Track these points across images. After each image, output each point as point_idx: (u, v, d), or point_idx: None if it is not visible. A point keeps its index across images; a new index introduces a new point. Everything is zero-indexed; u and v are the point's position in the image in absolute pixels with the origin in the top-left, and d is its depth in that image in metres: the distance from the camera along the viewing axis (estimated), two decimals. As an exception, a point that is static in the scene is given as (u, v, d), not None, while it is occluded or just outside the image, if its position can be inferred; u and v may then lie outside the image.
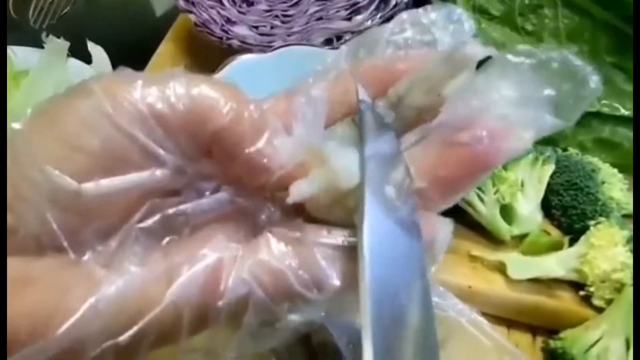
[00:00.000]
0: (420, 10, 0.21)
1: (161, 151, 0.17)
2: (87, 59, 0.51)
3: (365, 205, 0.16)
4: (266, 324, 0.17)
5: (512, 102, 0.18)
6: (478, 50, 0.19)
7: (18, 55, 0.51)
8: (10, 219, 0.16)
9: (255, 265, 0.16)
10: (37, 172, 0.15)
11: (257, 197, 0.18)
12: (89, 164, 0.16)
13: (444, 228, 0.18)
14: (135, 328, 0.15)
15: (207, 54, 0.54)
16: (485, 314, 0.39)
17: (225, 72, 0.46)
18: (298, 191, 0.17)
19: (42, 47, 0.48)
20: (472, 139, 0.17)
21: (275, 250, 0.17)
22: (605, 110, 0.45)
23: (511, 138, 0.18)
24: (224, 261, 0.16)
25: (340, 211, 0.17)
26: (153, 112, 0.16)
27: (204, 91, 0.17)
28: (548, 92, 0.18)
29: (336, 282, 0.16)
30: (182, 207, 0.17)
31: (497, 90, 0.18)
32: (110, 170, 0.16)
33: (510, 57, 0.19)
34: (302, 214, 0.18)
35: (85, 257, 0.16)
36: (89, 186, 0.16)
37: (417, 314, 0.15)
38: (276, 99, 0.20)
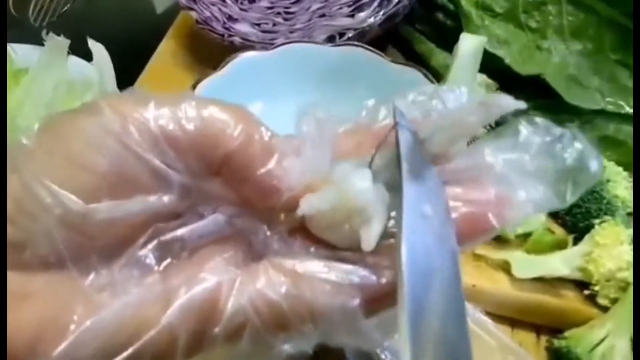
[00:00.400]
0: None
1: (171, 173, 0.17)
2: (87, 56, 0.51)
3: (403, 223, 0.16)
4: (259, 350, 0.17)
5: (520, 168, 0.19)
6: (511, 102, 0.20)
7: (18, 53, 0.50)
8: (13, 233, 0.15)
9: (254, 293, 0.16)
10: (46, 192, 0.15)
11: (255, 219, 0.18)
12: (96, 185, 0.16)
13: None
14: (130, 350, 0.15)
15: (209, 52, 0.53)
16: (489, 313, 0.39)
17: (227, 69, 0.46)
18: (309, 205, 0.17)
19: (43, 45, 0.47)
20: (481, 200, 0.18)
21: (274, 281, 0.17)
22: (610, 108, 0.45)
23: (515, 208, 0.18)
24: (223, 286, 0.16)
25: (343, 231, 0.17)
26: (165, 134, 0.16)
27: (215, 113, 0.17)
28: (553, 167, 0.19)
29: (333, 317, 0.16)
30: (179, 232, 0.17)
31: (507, 152, 0.19)
32: (117, 191, 0.16)
33: (525, 124, 0.20)
34: (301, 237, 0.18)
35: (89, 280, 0.16)
36: (97, 209, 0.16)
37: (452, 332, 0.15)
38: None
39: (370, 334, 0.17)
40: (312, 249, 0.18)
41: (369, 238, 0.17)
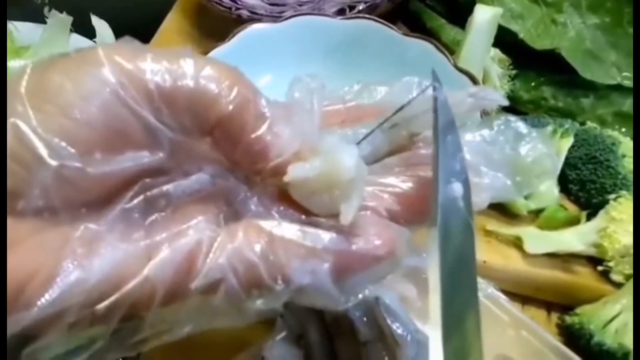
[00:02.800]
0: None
1: (164, 130, 0.17)
2: (90, 33, 0.50)
3: (440, 175, 0.19)
4: (230, 306, 0.18)
5: (487, 158, 0.21)
6: (497, 97, 0.22)
7: (20, 30, 0.50)
8: (7, 182, 0.15)
9: (232, 252, 0.17)
10: (42, 143, 0.15)
11: (238, 181, 0.19)
12: (90, 137, 0.16)
13: (403, 239, 0.19)
14: (112, 298, 0.16)
15: (216, 25, 0.52)
16: (500, 291, 0.38)
17: (235, 41, 0.45)
18: (296, 172, 0.18)
19: (45, 23, 0.46)
20: None
21: (251, 241, 0.17)
22: (627, 83, 0.44)
23: (475, 193, 0.20)
24: (203, 243, 0.17)
25: (322, 200, 0.18)
26: (160, 90, 0.16)
27: (212, 74, 0.17)
28: (516, 161, 0.22)
29: (304, 280, 0.17)
30: (164, 188, 0.18)
31: (478, 143, 0.21)
32: (110, 145, 0.16)
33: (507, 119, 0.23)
34: (281, 201, 0.19)
35: (78, 232, 0.16)
36: (91, 162, 0.16)
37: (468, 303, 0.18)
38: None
39: (337, 296, 0.18)
40: (290, 214, 0.19)
41: (348, 213, 0.17)
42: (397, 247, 0.18)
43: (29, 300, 0.15)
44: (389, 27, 0.45)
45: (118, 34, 0.51)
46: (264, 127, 0.18)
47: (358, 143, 0.21)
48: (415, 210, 0.20)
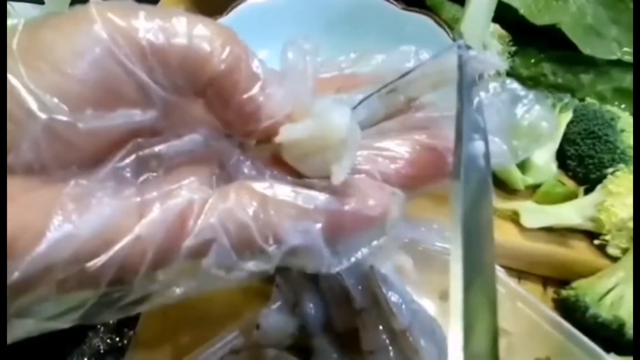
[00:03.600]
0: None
1: (156, 89, 0.17)
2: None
3: (464, 135, 0.18)
4: (222, 268, 0.17)
5: (490, 120, 0.21)
6: (495, 61, 0.21)
7: (18, 10, 0.49)
8: None
9: (224, 213, 0.17)
10: (32, 97, 0.15)
11: (231, 143, 0.19)
12: (81, 93, 0.16)
13: (397, 201, 0.19)
14: (102, 256, 0.16)
15: (215, 0, 0.52)
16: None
17: (232, 16, 0.45)
18: (288, 133, 0.18)
19: (43, 3, 0.46)
20: (442, 148, 0.20)
21: (243, 202, 0.17)
22: (627, 58, 0.43)
23: None
24: (195, 203, 0.17)
25: (315, 162, 0.18)
26: (153, 48, 0.16)
27: (205, 33, 0.17)
28: (512, 124, 0.21)
29: (296, 240, 0.17)
30: (156, 148, 0.18)
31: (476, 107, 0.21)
32: (101, 102, 0.16)
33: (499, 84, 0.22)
34: (273, 163, 0.19)
35: (68, 188, 0.16)
36: (82, 118, 0.16)
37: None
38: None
39: (329, 258, 0.18)
40: (283, 176, 0.18)
41: (339, 173, 0.17)
42: (390, 208, 0.18)
43: (18, 255, 0.15)
44: (389, 1, 0.45)
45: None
46: (256, 88, 0.17)
47: (354, 107, 0.20)
48: (409, 174, 0.20)
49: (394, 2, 0.45)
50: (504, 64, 0.22)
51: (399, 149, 0.20)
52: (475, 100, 0.20)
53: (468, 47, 0.21)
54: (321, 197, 0.18)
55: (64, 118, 0.15)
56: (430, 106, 0.21)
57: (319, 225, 0.17)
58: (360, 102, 0.21)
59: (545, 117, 0.22)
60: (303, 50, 0.19)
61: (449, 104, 0.21)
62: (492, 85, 0.22)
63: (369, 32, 0.46)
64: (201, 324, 0.36)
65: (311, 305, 0.32)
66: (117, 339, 0.39)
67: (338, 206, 0.18)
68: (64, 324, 0.17)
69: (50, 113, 0.15)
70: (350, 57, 0.24)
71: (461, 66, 0.20)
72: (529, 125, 0.22)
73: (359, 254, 0.19)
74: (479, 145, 0.19)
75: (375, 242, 0.19)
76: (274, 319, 0.32)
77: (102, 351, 0.39)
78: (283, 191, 0.18)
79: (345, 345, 0.32)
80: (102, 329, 0.39)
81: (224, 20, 0.44)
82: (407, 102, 0.22)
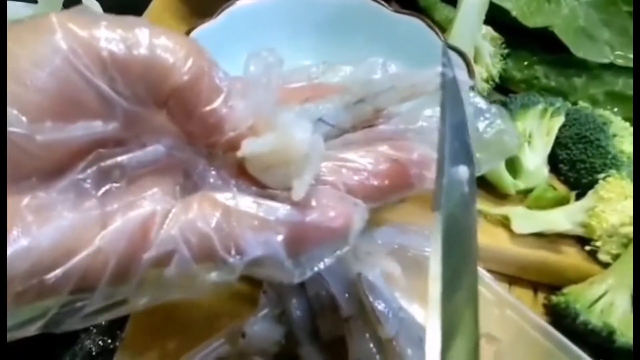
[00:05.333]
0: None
1: (118, 100, 0.16)
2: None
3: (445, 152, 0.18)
4: (184, 278, 0.17)
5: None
6: (467, 79, 0.21)
7: (10, 9, 0.49)
8: None
9: (186, 224, 0.17)
10: None
11: (194, 153, 0.19)
12: (40, 104, 0.15)
13: (359, 212, 0.19)
14: (61, 268, 0.15)
15: (205, 2, 0.51)
16: (486, 271, 0.38)
17: (222, 18, 0.44)
18: (249, 147, 0.18)
19: (35, 2, 0.46)
20: (405, 160, 0.20)
21: (205, 213, 0.17)
22: (619, 62, 0.43)
23: (430, 171, 0.20)
24: (157, 214, 0.17)
25: (277, 175, 0.18)
26: (114, 59, 0.16)
27: (167, 44, 0.17)
28: (475, 138, 0.21)
29: (257, 251, 0.17)
30: (118, 159, 0.18)
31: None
32: (61, 114, 0.16)
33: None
34: (237, 174, 0.19)
35: (26, 200, 0.16)
36: (40, 129, 0.15)
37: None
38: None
39: (291, 269, 0.18)
40: (247, 187, 0.18)
41: (300, 189, 0.17)
42: (353, 219, 0.18)
43: None
44: (380, 3, 0.45)
45: (108, 12, 0.50)
46: (218, 100, 0.17)
47: (320, 118, 0.20)
48: (372, 185, 0.20)
49: (385, 5, 0.45)
50: (470, 81, 0.24)
51: (362, 161, 0.20)
52: (460, 122, 0.19)
53: (445, 65, 0.20)
54: (283, 209, 0.18)
55: (21, 131, 0.15)
56: (396, 118, 0.21)
57: (280, 237, 0.17)
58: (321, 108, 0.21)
59: (507, 131, 0.22)
60: (267, 63, 0.19)
61: (415, 116, 0.21)
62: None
63: (359, 35, 0.45)
64: (188, 329, 0.35)
65: (298, 312, 0.32)
66: (109, 340, 0.39)
67: (300, 218, 0.18)
68: (25, 332, 0.17)
69: (8, 125, 0.15)
70: (319, 68, 0.24)
71: (444, 86, 0.20)
72: (491, 139, 0.22)
73: (321, 265, 0.19)
74: (462, 171, 0.18)
75: (338, 252, 0.19)
76: (260, 326, 0.32)
77: (93, 353, 0.39)
78: (245, 202, 0.18)
79: (332, 354, 0.32)
80: (94, 330, 0.39)
81: (214, 22, 0.44)
82: (375, 112, 0.21)
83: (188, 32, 0.43)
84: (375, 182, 0.19)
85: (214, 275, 0.17)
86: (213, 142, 0.18)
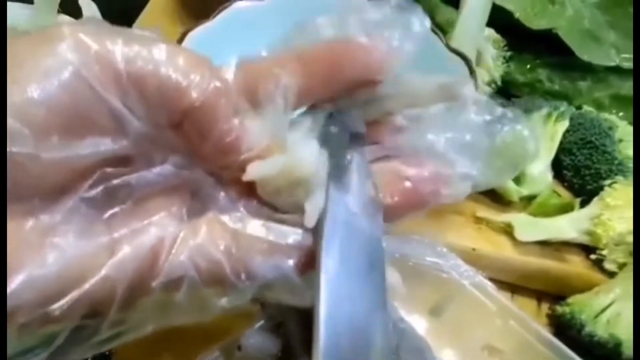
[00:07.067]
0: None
1: (130, 117, 0.16)
2: (77, 14, 0.49)
3: (325, 222, 0.17)
4: (194, 304, 0.17)
5: (463, 147, 0.20)
6: (471, 94, 0.20)
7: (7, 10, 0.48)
8: None
9: (195, 249, 0.17)
10: None
11: (204, 173, 0.18)
12: (48, 119, 0.14)
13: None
14: (68, 298, 0.15)
15: (202, 4, 0.51)
16: (489, 279, 0.37)
17: (219, 20, 0.43)
18: (256, 171, 0.17)
19: (31, 3, 0.45)
20: (417, 177, 0.19)
21: (214, 237, 0.17)
22: (625, 65, 0.42)
23: (451, 186, 0.19)
24: (165, 240, 0.17)
25: (287, 198, 0.18)
26: (130, 72, 0.15)
27: (186, 62, 0.16)
28: (492, 146, 0.20)
29: (267, 275, 0.17)
30: (126, 178, 0.17)
31: (453, 130, 0.20)
32: (69, 129, 0.15)
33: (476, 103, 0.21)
34: (247, 196, 0.18)
35: (29, 224, 0.15)
36: (46, 146, 0.15)
37: (377, 341, 0.16)
38: (246, 68, 0.19)
39: (304, 292, 0.18)
40: (257, 209, 0.18)
41: (312, 214, 0.17)
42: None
43: None
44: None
45: (105, 14, 0.50)
46: (235, 120, 0.17)
47: (328, 117, 0.19)
48: (386, 206, 0.19)
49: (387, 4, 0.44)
50: (478, 96, 0.21)
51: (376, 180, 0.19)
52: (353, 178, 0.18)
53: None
54: (294, 233, 0.17)
55: (25, 150, 0.14)
56: (403, 132, 0.20)
57: (291, 262, 0.17)
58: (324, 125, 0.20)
59: (528, 135, 0.21)
60: (280, 85, 0.18)
61: (425, 128, 0.20)
62: (470, 105, 0.21)
63: (359, 37, 0.44)
64: (182, 342, 0.34)
65: (295, 325, 0.31)
66: (107, 352, 0.38)
67: (310, 242, 0.17)
68: None
69: (11, 142, 0.14)
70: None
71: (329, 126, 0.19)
72: (511, 145, 0.21)
73: None
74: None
75: None
76: (256, 339, 0.31)
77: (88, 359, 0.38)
78: (255, 226, 0.17)
79: (330, 367, 0.31)
80: (85, 356, 0.39)
81: (210, 24, 0.43)
82: (384, 114, 0.21)
83: (184, 34, 0.42)
84: (389, 201, 0.19)
85: (224, 301, 0.17)
86: (228, 163, 0.17)
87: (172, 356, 0.34)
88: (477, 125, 0.20)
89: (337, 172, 0.18)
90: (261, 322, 0.32)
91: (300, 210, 0.18)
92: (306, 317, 0.33)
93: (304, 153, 0.17)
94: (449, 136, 0.20)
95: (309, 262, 0.17)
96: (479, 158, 0.20)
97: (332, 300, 0.16)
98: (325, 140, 0.19)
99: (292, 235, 0.17)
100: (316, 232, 0.17)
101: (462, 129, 0.20)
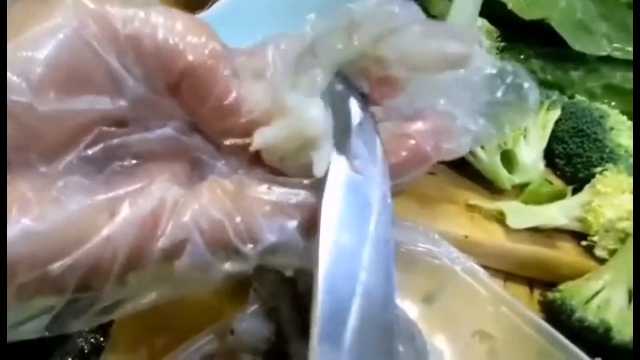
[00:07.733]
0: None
1: (127, 77, 0.16)
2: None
3: (327, 182, 0.17)
4: (196, 270, 0.17)
5: (462, 102, 0.20)
6: (485, 66, 0.20)
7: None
8: None
9: (197, 211, 0.16)
10: None
11: (204, 139, 0.18)
12: (45, 75, 0.15)
13: None
14: (67, 258, 0.14)
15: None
16: (481, 267, 0.37)
17: (216, 8, 0.44)
18: (262, 138, 0.17)
19: None
20: (418, 133, 0.19)
21: (217, 199, 0.17)
22: (617, 54, 0.42)
23: (452, 141, 0.19)
24: (167, 202, 0.16)
25: (294, 162, 0.18)
26: (128, 33, 0.15)
27: (183, 24, 0.16)
28: (493, 100, 0.20)
29: (271, 237, 0.17)
30: (125, 138, 0.17)
31: (452, 88, 0.20)
32: (67, 87, 0.15)
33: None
34: (248, 160, 0.18)
35: (27, 179, 0.15)
36: (43, 100, 0.15)
37: (374, 281, 0.16)
38: (250, 49, 0.19)
39: (309, 254, 0.17)
40: (256, 172, 0.18)
41: (321, 164, 0.17)
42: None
43: None
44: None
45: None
46: (235, 82, 0.17)
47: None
48: (390, 163, 0.19)
49: (380, -3, 0.44)
50: (491, 67, 0.21)
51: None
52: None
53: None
54: (296, 193, 0.17)
55: (23, 99, 0.14)
56: (406, 93, 0.20)
57: (295, 222, 0.17)
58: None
59: (527, 88, 0.21)
60: (282, 50, 0.19)
61: (425, 86, 0.20)
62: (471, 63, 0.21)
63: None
64: (177, 327, 0.35)
65: (288, 310, 0.31)
66: (102, 338, 0.38)
67: (313, 201, 0.17)
68: (27, 335, 0.16)
69: (9, 93, 0.14)
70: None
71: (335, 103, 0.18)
72: (512, 100, 0.21)
73: None
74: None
75: None
76: (248, 323, 0.31)
77: (85, 351, 0.38)
78: (258, 188, 0.17)
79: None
80: (85, 328, 0.39)
81: (207, 13, 0.43)
82: (377, 60, 0.20)
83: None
84: (393, 159, 0.19)
85: (227, 265, 0.17)
86: (228, 126, 0.17)
87: (166, 340, 0.34)
88: (479, 81, 0.20)
89: (342, 131, 0.18)
90: (254, 307, 0.32)
91: (306, 172, 0.17)
92: (299, 302, 0.33)
93: (312, 113, 0.17)
94: (450, 93, 0.20)
95: (313, 223, 0.17)
96: (480, 112, 0.20)
97: (332, 258, 0.16)
98: (329, 98, 0.18)
99: (295, 197, 0.17)
100: (318, 192, 0.17)
101: (464, 85, 0.20)
